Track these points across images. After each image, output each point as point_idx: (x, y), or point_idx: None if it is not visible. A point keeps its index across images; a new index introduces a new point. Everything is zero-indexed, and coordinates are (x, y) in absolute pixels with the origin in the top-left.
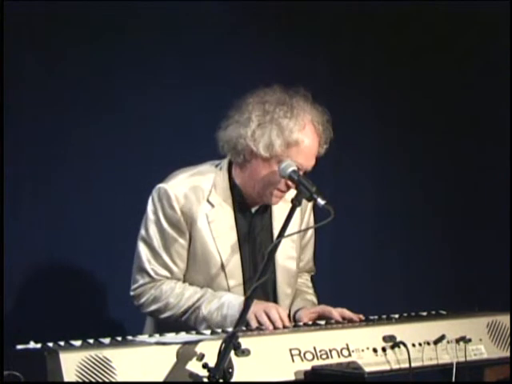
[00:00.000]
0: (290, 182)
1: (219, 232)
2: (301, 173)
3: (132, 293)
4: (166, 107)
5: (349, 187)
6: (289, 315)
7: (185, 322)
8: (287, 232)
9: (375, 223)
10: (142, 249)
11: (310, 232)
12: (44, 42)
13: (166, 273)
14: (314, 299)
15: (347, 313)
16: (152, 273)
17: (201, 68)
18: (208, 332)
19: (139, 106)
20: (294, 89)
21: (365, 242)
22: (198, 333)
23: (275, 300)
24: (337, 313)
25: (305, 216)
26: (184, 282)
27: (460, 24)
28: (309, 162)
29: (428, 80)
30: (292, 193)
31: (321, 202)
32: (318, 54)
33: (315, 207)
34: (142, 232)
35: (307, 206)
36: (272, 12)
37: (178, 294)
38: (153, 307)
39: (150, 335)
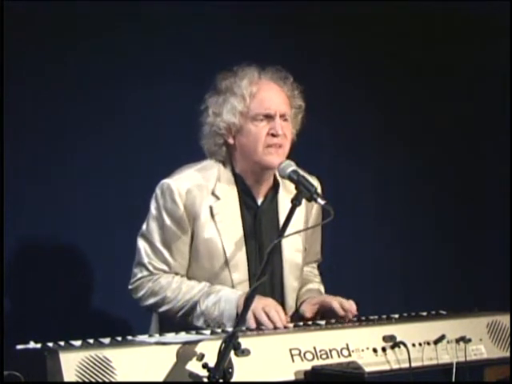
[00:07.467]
0: (273, 131)
1: (224, 225)
2: (301, 173)
3: (130, 286)
4: (167, 104)
5: (349, 187)
6: (296, 310)
7: (182, 316)
8: (288, 231)
9: (375, 223)
10: (142, 245)
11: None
12: (44, 42)
13: (164, 267)
14: (321, 287)
15: (346, 303)
16: (150, 267)
17: (201, 67)
18: (208, 332)
19: (139, 102)
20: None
21: (364, 242)
22: (198, 333)
23: (282, 294)
24: (336, 302)
25: (311, 213)
26: (187, 277)
27: (460, 24)
28: (279, 106)
29: (428, 80)
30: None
31: (321, 202)
32: (319, 53)
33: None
34: (143, 228)
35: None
36: (273, 12)
37: (175, 289)
38: (151, 301)
39: (150, 335)
